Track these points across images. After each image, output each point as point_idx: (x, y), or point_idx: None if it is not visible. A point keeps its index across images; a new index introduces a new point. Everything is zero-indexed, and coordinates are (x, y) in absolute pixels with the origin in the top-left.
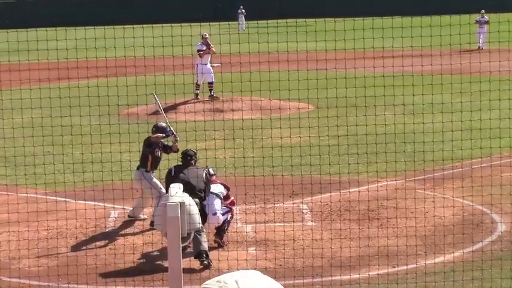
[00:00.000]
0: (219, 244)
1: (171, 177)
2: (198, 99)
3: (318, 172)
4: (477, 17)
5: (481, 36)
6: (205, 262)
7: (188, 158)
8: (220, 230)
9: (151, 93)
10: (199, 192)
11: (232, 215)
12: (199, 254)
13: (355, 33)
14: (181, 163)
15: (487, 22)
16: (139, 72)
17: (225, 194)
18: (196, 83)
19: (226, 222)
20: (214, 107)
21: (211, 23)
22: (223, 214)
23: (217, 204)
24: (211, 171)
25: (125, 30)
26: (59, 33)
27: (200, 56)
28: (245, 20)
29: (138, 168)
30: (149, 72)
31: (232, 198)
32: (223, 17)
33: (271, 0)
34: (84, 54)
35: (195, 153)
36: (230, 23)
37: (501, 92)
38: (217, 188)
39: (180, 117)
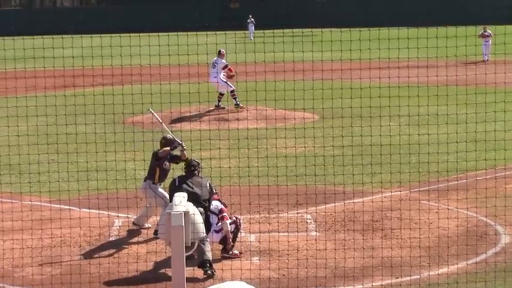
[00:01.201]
0: (230, 257)
1: (175, 188)
2: (223, 108)
3: (323, 182)
4: (480, 31)
5: (487, 49)
6: (209, 272)
7: (192, 168)
8: (225, 244)
9: (148, 109)
10: (203, 202)
11: (237, 226)
12: (203, 263)
13: (361, 43)
14: (184, 173)
15: (490, 35)
16: (145, 80)
17: (219, 208)
18: (221, 93)
19: (232, 234)
20: (219, 116)
21: (217, 32)
22: (217, 231)
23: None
24: (213, 189)
25: (131, 39)
26: (66, 41)
27: (230, 71)
28: (254, 29)
29: (145, 180)
30: (155, 81)
31: (224, 214)
32: (231, 26)
33: (277, 9)
34: (90, 62)
35: (199, 164)
36: (237, 32)
37: (506, 103)
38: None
39: (185, 126)
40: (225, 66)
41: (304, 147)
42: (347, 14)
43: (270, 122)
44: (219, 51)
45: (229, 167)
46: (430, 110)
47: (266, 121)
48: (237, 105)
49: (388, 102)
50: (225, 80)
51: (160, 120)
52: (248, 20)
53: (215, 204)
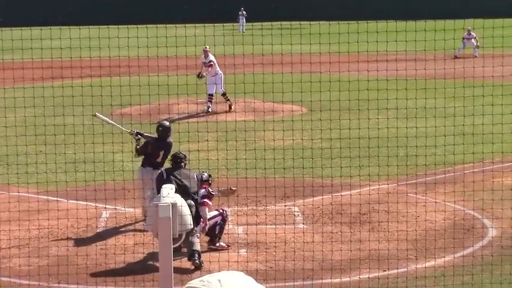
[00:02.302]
0: (217, 249)
1: (162, 180)
2: (209, 112)
3: (310, 175)
4: (464, 33)
5: (465, 45)
6: (197, 262)
7: (178, 160)
8: (212, 236)
9: (95, 114)
10: (193, 194)
11: (223, 218)
12: (192, 254)
13: (349, 36)
14: (171, 166)
15: (474, 37)
16: (133, 72)
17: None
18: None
19: (217, 226)
20: (207, 108)
21: (206, 24)
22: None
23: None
24: (205, 177)
25: (119, 30)
26: (53, 32)
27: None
28: (246, 22)
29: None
30: (143, 73)
31: (205, 200)
32: (220, 18)
33: (267, 2)
34: (78, 53)
35: (185, 156)
36: (225, 24)
37: (494, 97)
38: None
39: (173, 118)
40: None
41: (292, 139)
42: (336, 7)
43: (258, 114)
44: (204, 50)
45: (217, 159)
46: (418, 103)
47: (254, 113)
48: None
49: (376, 95)
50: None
51: (110, 122)
52: (239, 13)
53: (201, 193)
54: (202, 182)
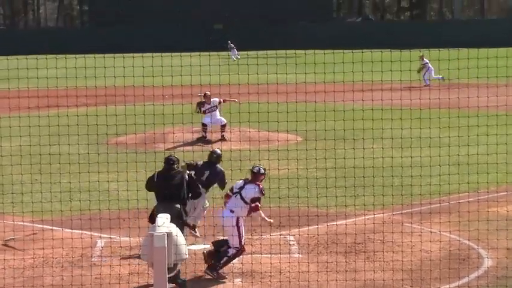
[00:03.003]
0: (212, 277)
1: (153, 183)
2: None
3: (306, 204)
4: (420, 61)
5: (429, 73)
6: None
7: (171, 162)
8: (215, 261)
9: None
10: (181, 196)
11: (238, 253)
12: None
13: (344, 66)
14: (163, 168)
15: (427, 63)
16: (129, 101)
17: (254, 197)
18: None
19: (226, 257)
20: (203, 137)
21: (201, 53)
22: (234, 226)
23: (236, 207)
24: (262, 170)
25: (115, 60)
26: (49, 62)
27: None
28: (237, 51)
29: None
30: (139, 102)
31: (258, 203)
32: (215, 47)
33: (260, 31)
34: (74, 82)
35: (178, 160)
36: (220, 53)
37: (489, 127)
38: (249, 192)
39: (168, 147)
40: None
41: (287, 169)
42: (331, 36)
43: (253, 143)
44: (205, 94)
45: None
46: (413, 132)
47: (249, 142)
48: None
49: (371, 124)
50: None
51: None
52: (228, 46)
53: (253, 192)
54: (258, 175)
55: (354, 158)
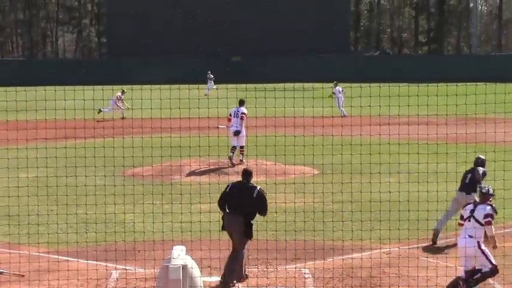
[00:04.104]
0: None
1: (225, 193)
2: (233, 163)
3: (321, 237)
4: (333, 88)
5: (340, 102)
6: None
7: (247, 174)
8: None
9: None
10: (248, 209)
11: (494, 272)
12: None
13: (361, 99)
14: (239, 181)
15: (340, 92)
16: (146, 132)
17: (485, 214)
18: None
19: (481, 273)
20: (219, 170)
21: (219, 85)
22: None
23: (474, 230)
24: (490, 191)
25: (132, 92)
26: (67, 93)
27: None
28: (214, 85)
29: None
30: (155, 133)
31: (489, 219)
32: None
33: (278, 63)
34: (92, 114)
35: (251, 173)
36: (238, 85)
37: (505, 162)
38: (481, 213)
39: (185, 179)
40: (243, 113)
41: (304, 202)
42: (348, 69)
43: (269, 176)
44: (241, 100)
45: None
46: (430, 167)
47: (266, 175)
48: (242, 160)
49: (388, 158)
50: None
51: None
52: (207, 76)
53: (486, 210)
54: (487, 195)
55: (370, 192)
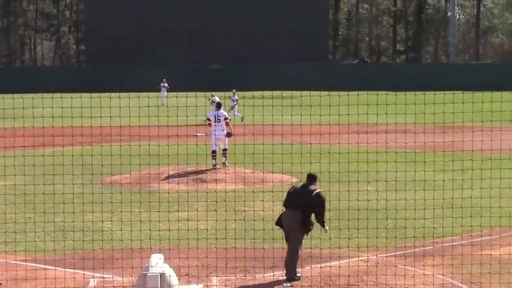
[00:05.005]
0: None
1: (288, 193)
2: (215, 167)
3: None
4: (231, 95)
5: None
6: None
7: (311, 178)
8: None
9: None
10: (304, 209)
11: None
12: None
13: (340, 108)
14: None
15: (236, 101)
16: (124, 140)
17: None
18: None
19: None
20: (197, 177)
21: (197, 93)
22: None
23: None
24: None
25: (111, 100)
26: (45, 101)
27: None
28: (166, 94)
29: None
30: (134, 141)
31: None
32: (212, 88)
33: (256, 71)
34: (70, 122)
35: (315, 177)
36: (216, 93)
37: (483, 170)
38: None
39: (163, 187)
40: (226, 118)
41: (282, 210)
42: (327, 78)
43: (248, 183)
44: (219, 103)
45: (207, 229)
46: (408, 175)
47: (244, 183)
48: (224, 163)
49: (366, 167)
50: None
51: None
52: (161, 84)
53: None
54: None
55: (348, 200)
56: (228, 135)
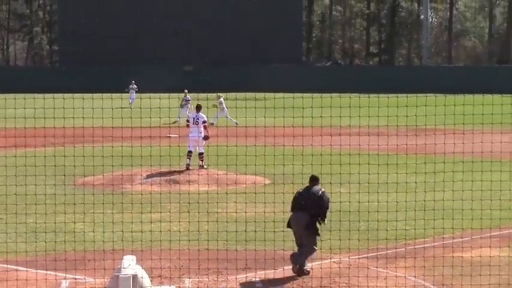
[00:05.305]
0: None
1: (294, 198)
2: (189, 168)
3: (272, 247)
4: (183, 95)
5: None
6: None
7: (314, 179)
8: None
9: None
10: (310, 210)
11: None
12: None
13: (313, 110)
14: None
15: (188, 101)
16: (97, 141)
17: None
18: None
19: None
20: (170, 178)
21: (171, 94)
22: None
23: None
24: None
25: (84, 101)
26: (18, 101)
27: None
28: (135, 96)
29: None
30: (107, 142)
31: None
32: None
33: (230, 73)
34: (42, 122)
35: (318, 178)
36: (191, 94)
37: (455, 173)
38: None
39: (136, 188)
40: (204, 122)
41: (255, 211)
42: (300, 80)
43: (221, 185)
44: (199, 106)
45: (179, 231)
46: (381, 177)
47: (217, 184)
48: (202, 166)
49: (339, 169)
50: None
51: None
52: (130, 86)
53: None
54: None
55: None
56: (205, 138)
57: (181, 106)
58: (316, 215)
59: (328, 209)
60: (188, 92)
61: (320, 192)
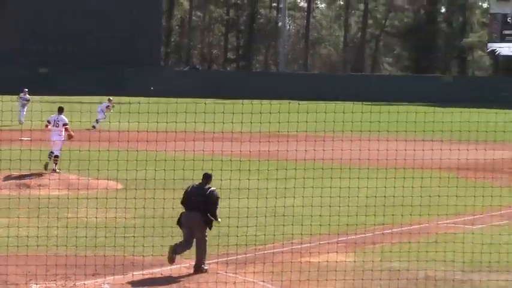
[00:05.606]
0: None
1: (185, 192)
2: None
3: (122, 252)
4: (21, 94)
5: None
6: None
7: (207, 177)
8: None
9: None
10: (200, 207)
11: None
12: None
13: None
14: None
15: (28, 100)
16: None
17: None
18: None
19: None
20: (21, 182)
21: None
22: None
23: None
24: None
25: None
26: None
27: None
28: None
29: None
30: None
31: None
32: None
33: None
34: None
35: (211, 176)
36: (43, 97)
37: (305, 179)
38: None
39: None
40: (65, 124)
41: (106, 217)
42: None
43: (72, 189)
44: (60, 108)
45: (27, 236)
46: (232, 183)
47: (68, 189)
48: (55, 170)
49: (191, 174)
50: (63, 139)
51: None
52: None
53: None
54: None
55: (173, 208)
56: (69, 137)
57: (23, 106)
58: (206, 211)
59: (216, 208)
60: (43, 95)
61: (209, 191)
